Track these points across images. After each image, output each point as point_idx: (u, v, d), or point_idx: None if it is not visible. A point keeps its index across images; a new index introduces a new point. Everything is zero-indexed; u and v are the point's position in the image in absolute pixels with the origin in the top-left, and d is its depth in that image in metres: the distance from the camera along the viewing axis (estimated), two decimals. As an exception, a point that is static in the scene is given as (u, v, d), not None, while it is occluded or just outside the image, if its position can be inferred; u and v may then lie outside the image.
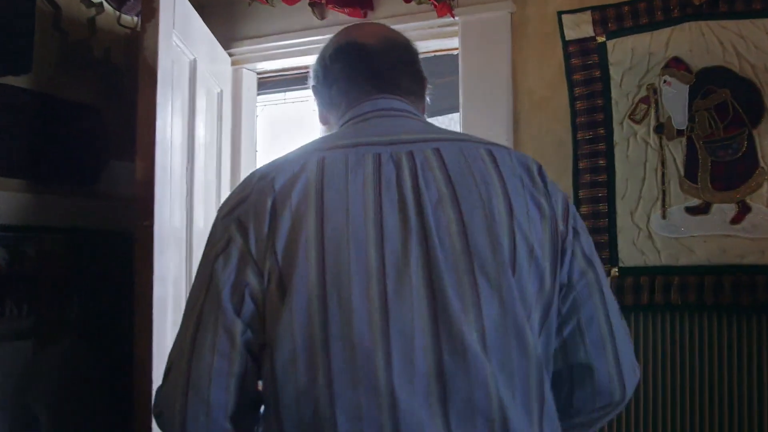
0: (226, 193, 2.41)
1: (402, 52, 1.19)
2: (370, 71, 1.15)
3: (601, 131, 1.95)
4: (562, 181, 2.01)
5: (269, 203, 0.98)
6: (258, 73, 2.73)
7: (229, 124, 2.54)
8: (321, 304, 0.92)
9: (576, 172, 1.98)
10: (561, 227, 1.01)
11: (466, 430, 0.90)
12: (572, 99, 1.99)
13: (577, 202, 1.95)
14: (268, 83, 2.85)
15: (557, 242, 1.00)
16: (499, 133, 2.10)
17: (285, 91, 3.26)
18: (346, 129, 1.12)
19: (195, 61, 2.11)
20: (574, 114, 1.99)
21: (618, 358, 1.04)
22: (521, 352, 0.93)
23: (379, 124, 1.10)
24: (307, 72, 1.27)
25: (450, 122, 4.00)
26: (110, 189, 2.17)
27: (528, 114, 2.12)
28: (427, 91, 1.24)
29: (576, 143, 1.98)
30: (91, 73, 2.19)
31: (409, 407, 0.88)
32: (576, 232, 1.03)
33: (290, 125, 3.72)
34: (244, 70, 2.65)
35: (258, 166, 1.23)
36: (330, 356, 0.90)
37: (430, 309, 0.92)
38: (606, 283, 1.06)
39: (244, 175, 2.53)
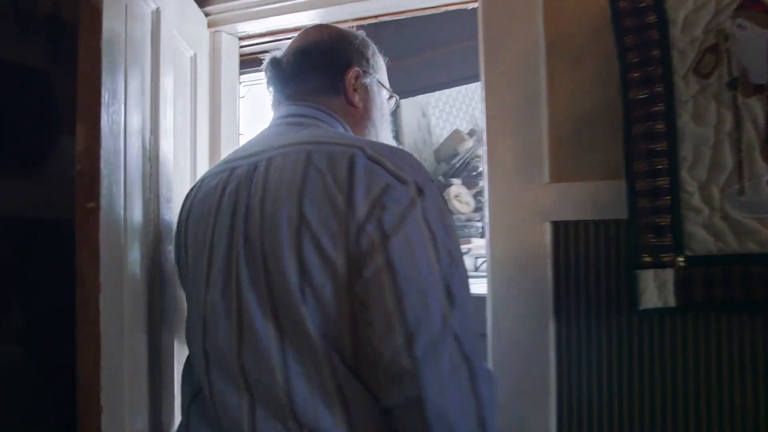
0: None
1: (308, 56, 1.37)
2: (280, 83, 1.40)
3: (659, 89, 1.57)
4: (610, 151, 1.64)
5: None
6: (240, 38, 2.34)
7: (205, 94, 2.16)
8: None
9: (628, 140, 1.58)
10: (360, 217, 1.02)
11: (266, 414, 1.08)
12: (621, 51, 1.60)
13: (631, 177, 1.56)
14: (253, 61, 2.48)
15: (352, 233, 1.02)
16: (529, 99, 1.73)
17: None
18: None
19: (158, 11, 1.72)
20: (624, 69, 1.60)
21: (410, 343, 0.98)
22: (309, 347, 1.05)
23: (261, 135, 1.31)
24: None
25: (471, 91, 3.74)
26: (61, 171, 1.79)
27: (566, 72, 1.73)
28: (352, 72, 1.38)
29: (627, 104, 1.59)
30: (36, 31, 1.83)
31: (223, 393, 1.13)
32: (378, 218, 1.02)
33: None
34: (223, 33, 2.27)
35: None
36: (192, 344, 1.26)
37: (236, 306, 1.12)
38: (410, 257, 1.01)
39: (225, 155, 2.17)
